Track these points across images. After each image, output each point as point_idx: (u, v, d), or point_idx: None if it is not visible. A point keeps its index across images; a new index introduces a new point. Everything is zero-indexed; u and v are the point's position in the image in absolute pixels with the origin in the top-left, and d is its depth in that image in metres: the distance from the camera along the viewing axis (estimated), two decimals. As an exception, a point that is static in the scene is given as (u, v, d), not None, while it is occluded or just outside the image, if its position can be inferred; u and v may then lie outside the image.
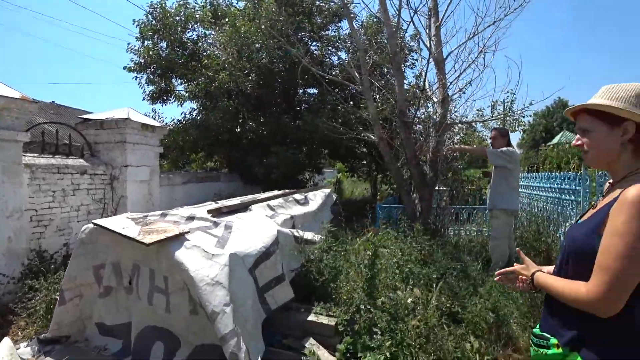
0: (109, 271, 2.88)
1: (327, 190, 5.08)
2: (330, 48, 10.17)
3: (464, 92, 6.16)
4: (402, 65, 10.20)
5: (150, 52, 8.93)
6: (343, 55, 10.84)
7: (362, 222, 4.34)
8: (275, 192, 4.94)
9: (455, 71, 5.13)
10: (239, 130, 8.72)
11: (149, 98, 9.98)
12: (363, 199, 11.42)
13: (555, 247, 4.14)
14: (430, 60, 5.04)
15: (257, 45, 8.07)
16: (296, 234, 3.50)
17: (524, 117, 8.69)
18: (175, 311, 2.57)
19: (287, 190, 5.05)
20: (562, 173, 5.43)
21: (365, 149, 9.81)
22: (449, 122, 5.02)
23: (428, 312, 2.66)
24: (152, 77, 9.55)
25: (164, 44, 9.23)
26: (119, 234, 2.61)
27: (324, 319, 2.98)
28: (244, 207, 3.73)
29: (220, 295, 2.27)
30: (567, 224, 4.57)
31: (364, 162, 10.67)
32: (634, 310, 0.99)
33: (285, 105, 9.57)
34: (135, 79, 9.63)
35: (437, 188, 6.74)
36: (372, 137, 5.48)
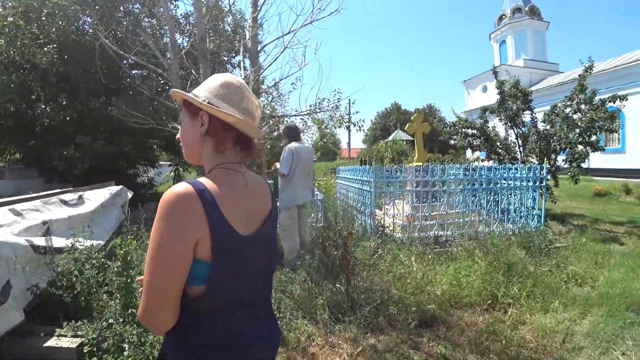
0: None
1: (116, 188, 4.45)
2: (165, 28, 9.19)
3: (276, 87, 6.36)
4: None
5: None
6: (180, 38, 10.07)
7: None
8: (47, 192, 4.06)
9: (267, 65, 5.22)
10: (30, 113, 6.95)
11: None
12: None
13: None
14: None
15: (52, 7, 6.46)
16: (37, 242, 2.86)
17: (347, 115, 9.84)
18: None
19: (59, 190, 4.21)
20: (363, 166, 6.18)
21: None
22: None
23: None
24: None
25: None
26: None
27: (66, 342, 2.57)
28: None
29: None
30: (368, 211, 5.20)
31: (169, 154, 10.05)
32: (184, 324, 0.87)
33: (104, 88, 8.13)
34: None
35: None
36: (178, 127, 5.08)
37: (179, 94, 1.01)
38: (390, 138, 23.92)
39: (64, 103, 7.26)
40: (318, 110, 6.78)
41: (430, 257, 3.91)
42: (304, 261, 3.34)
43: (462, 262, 3.77)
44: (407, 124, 6.98)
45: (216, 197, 0.87)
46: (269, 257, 1.04)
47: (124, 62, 5.92)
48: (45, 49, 6.82)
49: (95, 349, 2.46)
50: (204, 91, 0.99)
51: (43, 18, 6.64)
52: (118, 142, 7.46)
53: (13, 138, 7.18)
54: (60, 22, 6.86)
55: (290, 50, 5.11)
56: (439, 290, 3.15)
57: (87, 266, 2.93)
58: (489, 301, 3.14)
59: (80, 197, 3.90)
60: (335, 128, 9.84)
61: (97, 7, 6.98)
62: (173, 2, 9.62)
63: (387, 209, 5.80)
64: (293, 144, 3.95)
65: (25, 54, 6.57)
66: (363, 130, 10.55)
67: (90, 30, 7.11)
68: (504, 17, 27.73)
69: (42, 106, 6.92)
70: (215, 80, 1.00)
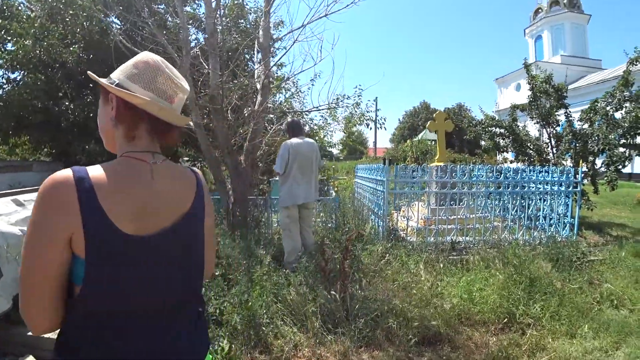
0: None
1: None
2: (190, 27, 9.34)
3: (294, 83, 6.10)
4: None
5: None
6: (201, 37, 10.18)
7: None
8: None
9: (277, 60, 5.06)
10: (57, 110, 7.21)
11: None
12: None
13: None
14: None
15: (76, 8, 6.68)
16: None
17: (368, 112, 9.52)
18: None
19: None
20: (376, 165, 5.88)
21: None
22: (268, 109, 4.96)
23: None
24: None
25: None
26: None
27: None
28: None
29: None
30: (381, 212, 4.93)
31: (189, 150, 10.08)
32: (64, 325, 0.78)
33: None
34: None
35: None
36: (191, 123, 5.04)
37: (92, 76, 0.91)
38: (419, 137, 23.21)
39: (87, 100, 7.49)
40: (336, 106, 6.53)
41: (442, 265, 3.58)
42: (301, 264, 3.14)
43: (478, 273, 3.41)
44: (429, 122, 6.61)
45: (97, 188, 0.76)
46: (185, 260, 0.87)
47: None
48: (71, 48, 7.05)
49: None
50: (118, 71, 0.89)
51: (67, 19, 6.86)
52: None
53: (40, 133, 7.49)
54: (85, 23, 7.07)
55: (306, 44, 4.95)
56: (447, 304, 2.84)
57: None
58: (505, 320, 2.79)
59: None
60: (355, 126, 9.66)
61: (121, 7, 7.16)
62: (195, 1, 9.75)
63: (404, 211, 5.49)
64: (291, 140, 3.75)
65: (51, 54, 6.81)
66: (384, 127, 10.32)
67: (114, 30, 7.32)
68: (540, 10, 26.08)
69: (67, 103, 7.16)
70: (131, 60, 0.91)
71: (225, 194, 4.93)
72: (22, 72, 7.31)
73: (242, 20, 10.08)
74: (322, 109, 6.48)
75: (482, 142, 8.53)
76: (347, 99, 9.56)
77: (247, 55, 10.48)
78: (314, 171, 3.77)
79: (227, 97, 4.89)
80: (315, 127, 9.96)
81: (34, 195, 3.53)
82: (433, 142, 19.42)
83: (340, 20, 5.30)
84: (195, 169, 1.01)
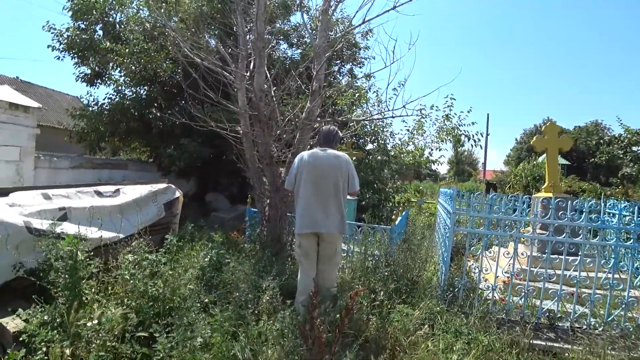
0: None
1: (162, 185, 4.36)
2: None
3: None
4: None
5: (74, 32, 8.23)
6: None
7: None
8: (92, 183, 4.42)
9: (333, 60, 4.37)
10: (151, 117, 7.99)
11: (82, 79, 9.31)
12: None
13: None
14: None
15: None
16: (35, 225, 2.96)
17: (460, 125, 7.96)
18: None
19: (102, 182, 4.48)
20: (450, 190, 4.61)
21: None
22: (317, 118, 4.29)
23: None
24: (78, 58, 8.85)
25: (83, 24, 8.55)
26: None
27: (12, 325, 2.49)
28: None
29: None
30: (444, 255, 3.74)
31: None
32: None
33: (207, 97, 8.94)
34: (58, 59, 8.96)
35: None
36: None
37: None
38: (539, 160, 19.41)
39: (176, 109, 8.11)
40: (415, 115, 5.46)
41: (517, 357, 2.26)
42: (294, 317, 2.32)
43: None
44: (535, 137, 5.03)
45: None
46: None
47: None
48: (164, 64, 7.74)
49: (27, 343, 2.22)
50: None
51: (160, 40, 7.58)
52: (214, 145, 7.91)
53: (136, 137, 8.40)
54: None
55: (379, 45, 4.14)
56: None
57: (65, 257, 2.69)
58: None
59: (117, 190, 3.97)
60: (441, 142, 8.22)
61: (213, 27, 7.61)
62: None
63: (487, 255, 4.06)
64: (307, 151, 2.98)
65: (148, 70, 7.61)
66: (479, 146, 8.50)
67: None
68: None
69: (154, 111, 7.87)
70: None
71: (262, 209, 4.44)
72: (130, 86, 8.36)
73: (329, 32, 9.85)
74: (387, 118, 5.53)
75: (625, 168, 6.19)
76: (435, 110, 8.29)
77: (334, 69, 10.14)
78: (337, 194, 2.88)
79: (272, 103, 4.42)
80: (398, 143, 8.88)
81: (63, 191, 3.60)
82: (561, 167, 15.83)
83: (414, 13, 4.32)
84: None
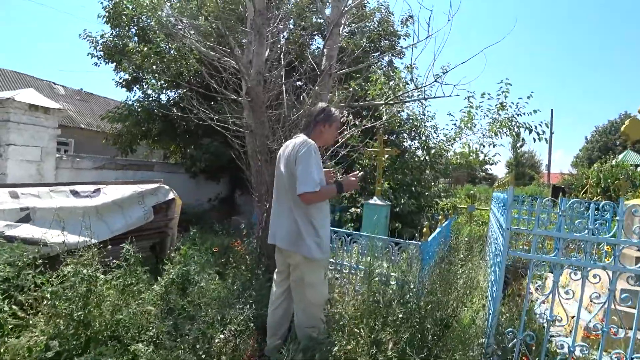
0: None
1: (150, 186, 3.83)
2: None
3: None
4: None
5: (108, 39, 8.38)
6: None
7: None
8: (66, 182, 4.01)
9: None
10: (175, 117, 7.79)
11: (120, 85, 9.57)
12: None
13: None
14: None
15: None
16: None
17: (518, 115, 6.55)
18: None
19: (79, 182, 4.07)
20: (503, 194, 3.51)
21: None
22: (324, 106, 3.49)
23: None
24: (113, 63, 9.06)
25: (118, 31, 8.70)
26: None
27: None
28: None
29: None
30: (493, 288, 2.73)
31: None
32: None
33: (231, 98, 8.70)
34: (96, 65, 9.23)
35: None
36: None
37: None
38: (618, 159, 16.56)
39: (196, 109, 7.88)
40: (458, 95, 4.46)
41: None
42: None
43: None
44: (630, 119, 4.08)
45: None
46: None
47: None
48: (187, 63, 7.51)
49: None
50: None
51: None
52: (240, 145, 7.52)
53: (165, 139, 8.27)
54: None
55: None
56: None
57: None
58: None
59: (97, 189, 3.51)
60: (495, 136, 6.87)
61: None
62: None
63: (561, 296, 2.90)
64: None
65: (172, 69, 7.43)
66: (545, 139, 6.95)
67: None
68: None
69: (177, 111, 7.65)
70: None
71: (260, 216, 3.74)
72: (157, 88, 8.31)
73: (366, 23, 9.04)
74: (420, 99, 4.46)
75: None
76: (488, 98, 6.94)
77: (372, 59, 9.31)
78: (288, 197, 2.07)
79: (271, 89, 3.72)
80: (443, 139, 7.66)
81: (34, 190, 3.18)
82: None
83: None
84: None
